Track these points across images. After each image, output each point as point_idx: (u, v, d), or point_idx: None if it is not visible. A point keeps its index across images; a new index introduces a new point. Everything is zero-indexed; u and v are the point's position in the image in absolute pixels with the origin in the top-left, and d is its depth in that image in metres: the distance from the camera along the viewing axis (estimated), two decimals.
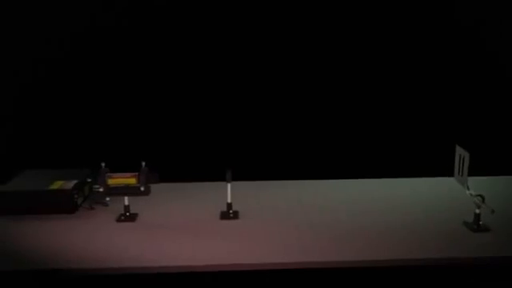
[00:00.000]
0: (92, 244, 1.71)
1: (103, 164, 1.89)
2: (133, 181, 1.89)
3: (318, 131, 2.46)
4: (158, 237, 1.76)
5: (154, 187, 1.94)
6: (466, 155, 1.97)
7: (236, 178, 2.04)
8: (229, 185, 1.93)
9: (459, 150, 2.05)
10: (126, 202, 1.92)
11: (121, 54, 2.37)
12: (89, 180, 1.95)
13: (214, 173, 2.20)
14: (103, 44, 2.36)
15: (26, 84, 2.38)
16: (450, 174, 2.21)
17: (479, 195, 1.84)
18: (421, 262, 1.65)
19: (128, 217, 1.92)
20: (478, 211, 1.84)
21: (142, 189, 1.88)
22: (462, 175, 2.02)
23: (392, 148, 2.45)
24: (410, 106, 2.47)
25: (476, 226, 1.83)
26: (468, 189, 1.95)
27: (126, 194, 1.89)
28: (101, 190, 1.87)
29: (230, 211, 1.95)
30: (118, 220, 1.91)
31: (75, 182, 2.03)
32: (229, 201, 1.95)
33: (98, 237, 1.77)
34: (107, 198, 1.91)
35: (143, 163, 1.90)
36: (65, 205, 1.96)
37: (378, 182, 2.31)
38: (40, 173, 2.13)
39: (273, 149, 2.44)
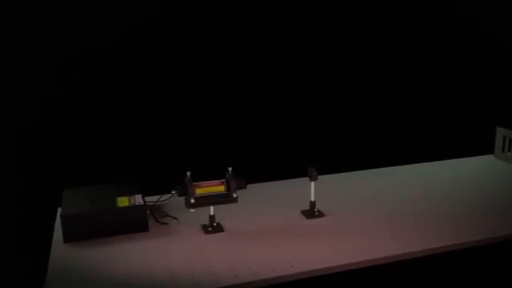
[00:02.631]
0: (199, 262, 1.56)
1: (189, 173, 1.73)
2: (221, 188, 1.76)
3: (362, 123, 2.50)
4: (258, 246, 1.66)
5: None
6: None
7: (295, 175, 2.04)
8: (312, 183, 1.89)
9: (501, 131, 2.24)
10: (212, 212, 1.78)
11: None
12: (173, 192, 1.77)
13: (279, 171, 2.17)
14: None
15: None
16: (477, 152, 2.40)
17: None
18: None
19: (215, 227, 1.79)
20: None
21: (235, 195, 1.76)
22: (508, 154, 2.21)
23: (416, 133, 2.57)
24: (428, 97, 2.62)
25: None
26: None
27: (217, 203, 1.76)
28: (192, 201, 1.71)
29: (315, 209, 1.91)
30: (206, 232, 1.77)
31: (140, 196, 1.84)
32: (312, 199, 1.91)
33: (200, 254, 1.62)
34: (191, 210, 1.75)
35: (229, 168, 1.78)
36: (140, 222, 1.77)
37: (425, 166, 2.40)
38: (88, 190, 1.89)
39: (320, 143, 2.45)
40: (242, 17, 2.24)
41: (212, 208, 1.78)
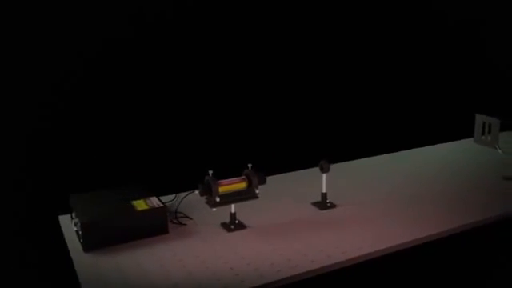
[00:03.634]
0: (237, 260, 1.55)
1: (211, 172, 1.71)
2: (243, 185, 1.76)
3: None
4: (287, 239, 1.68)
5: None
6: (494, 122, 2.32)
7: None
8: (324, 175, 1.93)
9: (480, 118, 2.41)
10: (233, 210, 1.77)
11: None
12: (196, 191, 1.73)
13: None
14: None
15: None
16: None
17: None
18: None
19: (237, 225, 1.77)
20: None
21: (257, 191, 1.76)
22: (488, 138, 2.38)
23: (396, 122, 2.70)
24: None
25: None
26: (499, 148, 2.31)
27: (240, 200, 1.74)
28: (217, 200, 1.69)
29: (327, 201, 1.95)
30: (229, 230, 1.75)
31: (155, 198, 1.78)
32: (324, 191, 1.94)
33: (234, 253, 1.60)
34: (214, 209, 1.73)
35: (249, 165, 1.77)
36: (160, 224, 1.72)
37: (411, 152, 2.53)
38: (97, 196, 1.80)
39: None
40: (251, 18, 2.24)
41: (233, 206, 1.77)
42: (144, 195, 1.80)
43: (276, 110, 2.43)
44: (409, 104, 2.70)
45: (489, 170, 2.25)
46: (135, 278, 1.46)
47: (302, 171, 2.24)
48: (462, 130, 2.58)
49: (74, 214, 1.73)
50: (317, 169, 2.14)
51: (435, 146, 2.56)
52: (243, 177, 1.77)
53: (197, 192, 1.71)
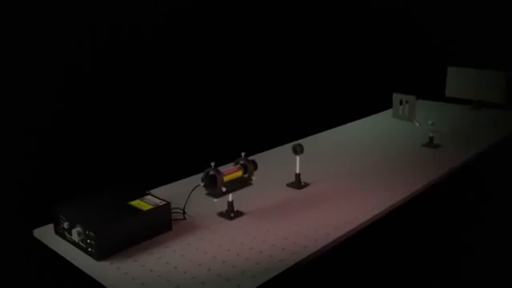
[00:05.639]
0: (260, 245, 1.61)
1: (213, 163, 1.71)
2: (240, 173, 1.79)
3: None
4: (290, 219, 1.77)
5: None
6: (412, 99, 2.69)
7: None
8: (297, 157, 2.05)
9: (397, 96, 2.76)
10: (230, 199, 1.80)
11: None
12: (202, 184, 1.69)
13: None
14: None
15: None
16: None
17: (432, 123, 2.57)
18: (440, 179, 2.24)
19: (236, 212, 1.81)
20: (431, 134, 2.57)
21: (254, 178, 1.81)
22: (407, 113, 2.74)
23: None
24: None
25: (433, 145, 2.56)
26: (417, 121, 2.69)
27: (239, 188, 1.77)
28: (224, 189, 1.70)
29: (302, 181, 2.08)
30: (231, 218, 1.78)
31: (150, 196, 1.72)
32: (297, 171, 2.07)
33: (253, 238, 1.65)
34: (215, 200, 1.73)
35: (243, 153, 1.81)
36: (165, 222, 1.68)
37: (338, 130, 2.80)
38: (90, 202, 1.67)
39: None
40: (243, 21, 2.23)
41: (231, 195, 1.79)
42: (137, 195, 1.73)
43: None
44: (333, 85, 2.97)
45: (411, 140, 2.61)
46: (175, 277, 1.43)
47: (264, 153, 2.37)
48: (376, 104, 2.96)
49: (67, 224, 1.59)
50: (277, 149, 2.29)
51: (363, 119, 2.89)
52: (239, 165, 1.81)
53: (202, 185, 1.71)
